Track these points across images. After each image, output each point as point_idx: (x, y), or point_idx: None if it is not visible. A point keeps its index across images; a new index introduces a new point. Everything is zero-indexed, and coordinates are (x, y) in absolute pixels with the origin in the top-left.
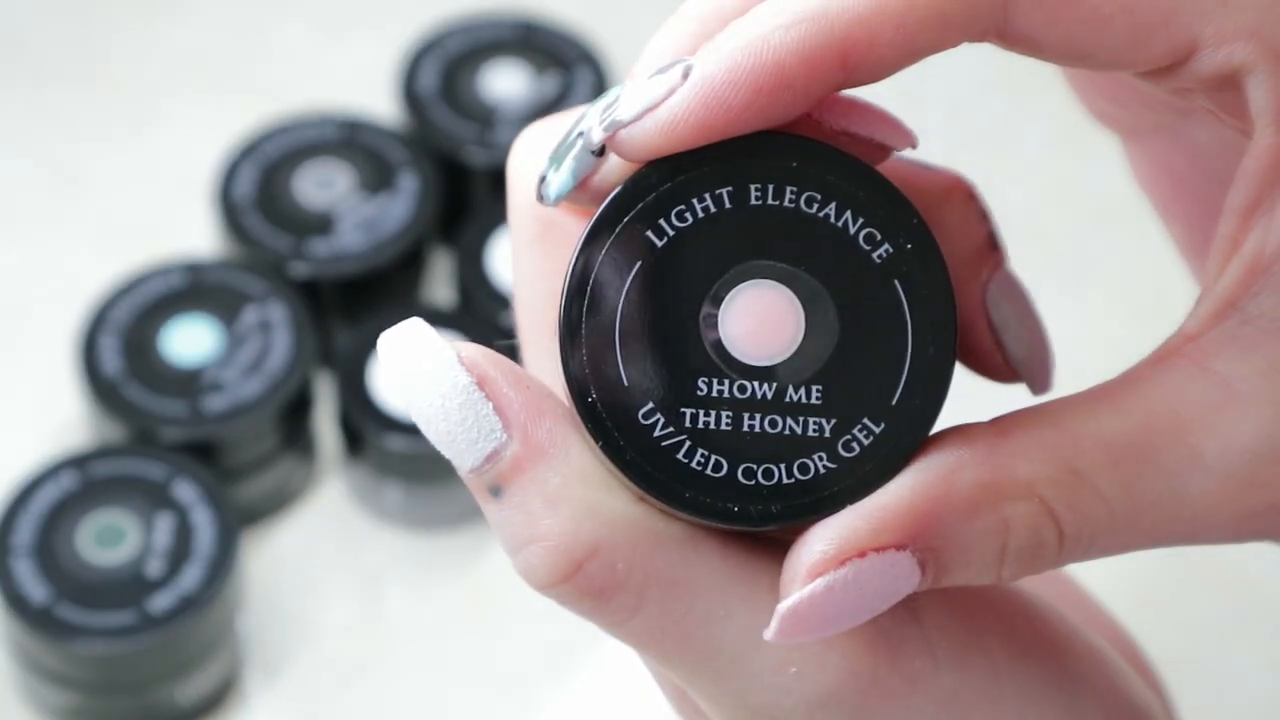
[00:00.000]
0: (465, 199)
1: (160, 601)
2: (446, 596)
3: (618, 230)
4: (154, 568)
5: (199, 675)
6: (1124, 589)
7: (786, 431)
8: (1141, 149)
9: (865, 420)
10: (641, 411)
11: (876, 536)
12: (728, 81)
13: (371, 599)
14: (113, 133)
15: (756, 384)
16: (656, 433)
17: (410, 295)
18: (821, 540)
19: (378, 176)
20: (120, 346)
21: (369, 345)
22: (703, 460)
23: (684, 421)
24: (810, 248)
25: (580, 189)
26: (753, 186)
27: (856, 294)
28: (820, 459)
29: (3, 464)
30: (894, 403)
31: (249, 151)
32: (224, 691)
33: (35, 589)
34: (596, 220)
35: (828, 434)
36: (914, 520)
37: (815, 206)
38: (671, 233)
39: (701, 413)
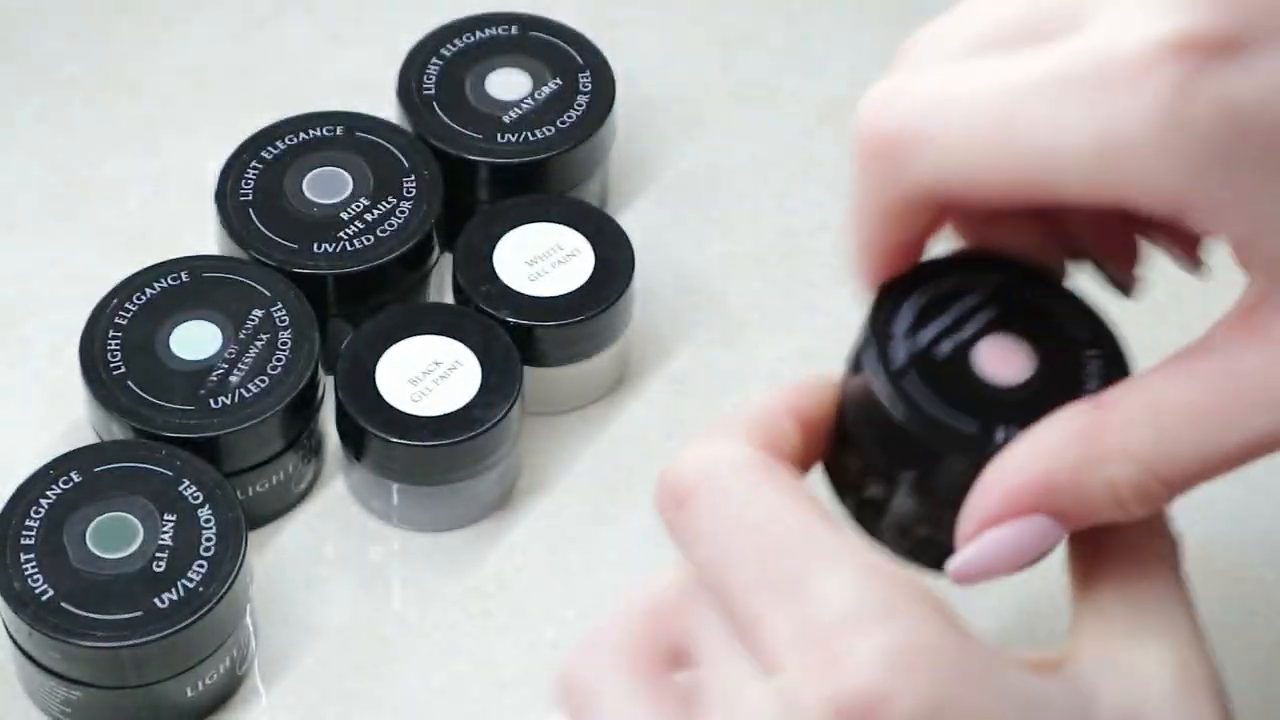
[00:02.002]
0: (467, 200)
1: (166, 600)
2: (448, 595)
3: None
4: (160, 566)
5: (205, 673)
6: None
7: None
8: None
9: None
10: None
11: (1010, 508)
12: None
13: (374, 598)
14: (117, 134)
15: None
16: None
17: (412, 296)
18: (966, 518)
19: (380, 178)
20: (125, 347)
21: (371, 346)
22: None
23: None
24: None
25: None
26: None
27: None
28: None
29: (8, 463)
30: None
31: (252, 153)
32: (231, 689)
33: (41, 587)
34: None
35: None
36: (1035, 493)
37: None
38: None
39: None
